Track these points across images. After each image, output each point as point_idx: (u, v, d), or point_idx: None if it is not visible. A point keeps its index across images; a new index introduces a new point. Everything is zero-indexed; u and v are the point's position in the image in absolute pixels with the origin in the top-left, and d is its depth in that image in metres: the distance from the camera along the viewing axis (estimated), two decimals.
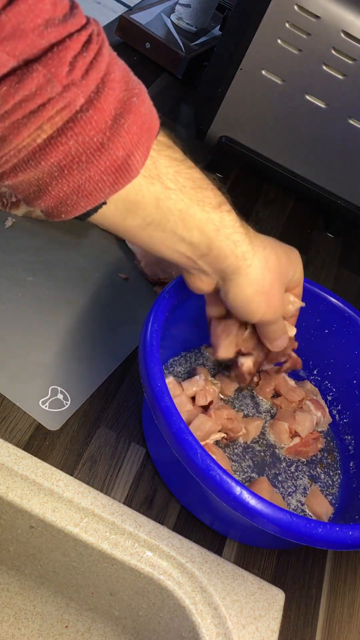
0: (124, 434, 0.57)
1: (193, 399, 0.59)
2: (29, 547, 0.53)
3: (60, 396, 0.56)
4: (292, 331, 0.56)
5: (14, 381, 0.56)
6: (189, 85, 1.05)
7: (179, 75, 1.04)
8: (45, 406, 0.55)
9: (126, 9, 3.10)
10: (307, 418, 0.62)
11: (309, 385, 0.66)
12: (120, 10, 3.08)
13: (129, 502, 0.53)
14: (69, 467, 0.53)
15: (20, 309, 0.61)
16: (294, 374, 0.68)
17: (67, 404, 0.57)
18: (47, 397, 0.56)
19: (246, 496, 0.44)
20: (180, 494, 0.55)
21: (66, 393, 0.57)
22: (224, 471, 0.44)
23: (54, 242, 0.69)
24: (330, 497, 0.60)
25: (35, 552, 0.53)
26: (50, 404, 0.56)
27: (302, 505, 0.58)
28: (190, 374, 0.63)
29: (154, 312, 0.52)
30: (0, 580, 0.57)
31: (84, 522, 0.49)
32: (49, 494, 0.49)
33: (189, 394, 0.59)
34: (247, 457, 0.59)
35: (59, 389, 0.57)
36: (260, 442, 0.61)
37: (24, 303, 0.62)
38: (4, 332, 0.59)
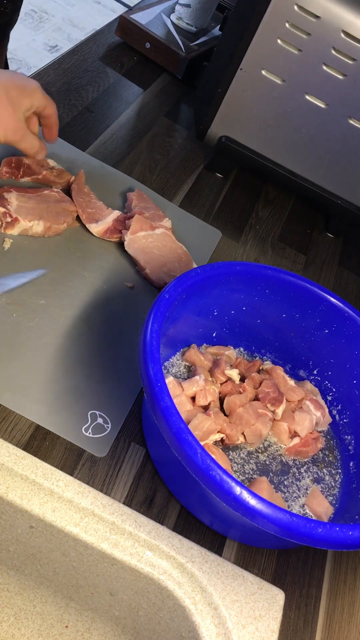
0: (124, 434, 0.57)
1: (193, 399, 0.59)
2: (29, 547, 0.53)
3: (100, 420, 0.56)
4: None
5: (53, 412, 0.55)
6: (189, 85, 1.05)
7: (179, 75, 1.04)
8: (89, 433, 0.55)
9: (126, 9, 3.11)
10: (307, 418, 0.62)
11: (308, 385, 0.66)
12: (120, 10, 3.09)
13: (128, 502, 0.53)
14: (69, 467, 0.53)
15: (40, 336, 0.60)
16: (294, 374, 0.68)
17: (108, 427, 0.56)
18: (88, 423, 0.56)
19: (246, 496, 0.44)
20: (180, 494, 0.55)
21: (105, 416, 0.57)
22: (224, 471, 0.44)
23: (55, 258, 0.67)
24: (331, 498, 0.60)
25: (35, 552, 0.53)
26: (93, 429, 0.55)
27: (303, 506, 0.58)
28: (191, 374, 0.63)
29: (153, 312, 0.52)
30: (0, 580, 0.57)
31: (83, 522, 0.49)
32: (49, 494, 0.49)
33: (189, 394, 0.59)
34: (251, 461, 0.59)
35: (97, 413, 0.57)
36: (262, 447, 0.61)
37: (42, 329, 0.60)
38: (31, 362, 0.57)
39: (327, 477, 0.62)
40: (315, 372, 0.67)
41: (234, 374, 0.62)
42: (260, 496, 0.44)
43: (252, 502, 0.44)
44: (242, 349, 0.68)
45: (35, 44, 2.51)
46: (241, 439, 0.59)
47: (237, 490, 0.44)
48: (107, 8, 2.98)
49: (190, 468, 0.45)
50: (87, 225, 0.72)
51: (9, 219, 0.66)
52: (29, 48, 2.44)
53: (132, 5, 3.10)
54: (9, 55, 1.32)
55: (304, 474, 0.61)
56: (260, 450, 0.60)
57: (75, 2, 2.91)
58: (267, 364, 0.67)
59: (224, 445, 0.59)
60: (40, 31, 2.60)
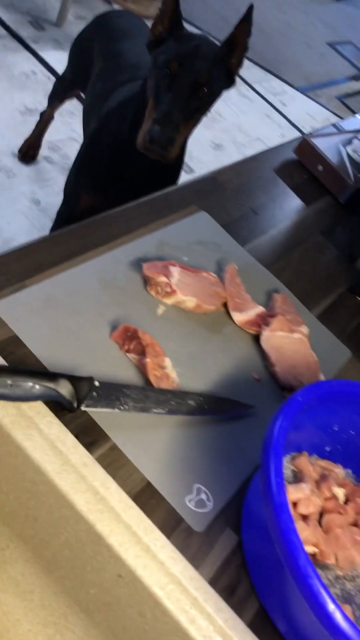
0: (221, 517, 0.59)
1: (294, 504, 0.60)
2: (110, 595, 0.54)
3: (203, 496, 0.58)
4: None
5: (164, 474, 0.58)
6: (350, 212, 1.11)
7: (342, 200, 1.10)
8: (192, 504, 0.57)
9: (290, 125, 3.31)
10: None
11: None
12: (286, 125, 3.31)
13: (212, 583, 0.54)
14: (167, 530, 0.55)
15: None
16: None
17: (209, 505, 0.58)
18: (193, 495, 0.58)
19: (338, 616, 0.44)
20: (264, 592, 0.55)
21: (208, 493, 0.59)
22: (323, 584, 0.44)
23: (196, 335, 0.73)
24: None
25: (113, 602, 0.55)
26: (196, 502, 0.58)
27: None
28: (296, 480, 0.63)
29: (284, 409, 0.54)
30: (69, 619, 0.59)
31: (169, 587, 0.50)
32: (145, 549, 0.51)
33: (292, 498, 0.60)
34: (337, 585, 0.58)
35: (203, 488, 0.59)
36: (350, 575, 0.60)
37: None
38: (156, 422, 0.62)
39: None
40: None
41: (341, 493, 0.62)
42: (352, 621, 0.44)
43: (343, 624, 0.44)
44: (350, 472, 0.68)
45: (204, 139, 2.74)
46: (333, 559, 0.58)
47: (331, 606, 0.44)
48: (275, 122, 3.21)
49: (290, 569, 0.45)
50: (231, 312, 0.77)
51: (168, 289, 0.72)
52: (197, 142, 2.66)
53: (298, 126, 3.32)
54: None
55: None
56: (348, 578, 0.59)
57: (248, 111, 3.17)
58: None
59: (315, 561, 0.59)
60: (211, 129, 2.84)
